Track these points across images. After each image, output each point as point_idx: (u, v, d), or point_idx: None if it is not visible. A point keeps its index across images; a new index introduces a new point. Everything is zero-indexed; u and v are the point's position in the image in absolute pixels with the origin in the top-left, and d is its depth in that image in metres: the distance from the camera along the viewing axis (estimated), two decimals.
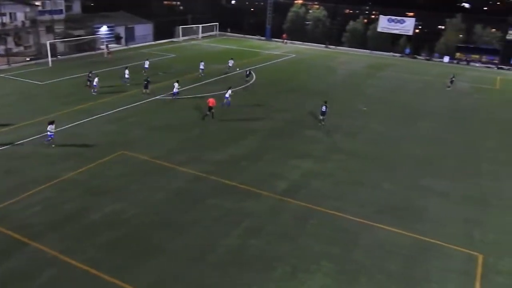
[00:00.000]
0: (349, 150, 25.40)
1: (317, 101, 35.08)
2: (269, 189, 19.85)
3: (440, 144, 27.32)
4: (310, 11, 76.45)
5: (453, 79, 44.27)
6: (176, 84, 32.98)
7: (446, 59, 65.14)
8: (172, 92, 33.15)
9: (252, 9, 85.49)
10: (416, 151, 25.93)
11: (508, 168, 24.13)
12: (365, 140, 27.24)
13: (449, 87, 43.63)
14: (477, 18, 65.39)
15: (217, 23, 75.23)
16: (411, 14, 69.23)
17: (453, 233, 17.25)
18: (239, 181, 20.46)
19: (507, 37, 63.24)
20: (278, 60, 54.82)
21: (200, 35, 70.44)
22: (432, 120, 32.44)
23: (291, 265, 14.67)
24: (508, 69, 62.19)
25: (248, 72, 41.09)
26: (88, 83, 35.00)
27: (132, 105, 31.45)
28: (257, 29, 76.02)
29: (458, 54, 64.92)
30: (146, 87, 33.99)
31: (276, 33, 75.53)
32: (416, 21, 67.76)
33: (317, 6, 77.10)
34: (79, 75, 39.08)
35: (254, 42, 71.33)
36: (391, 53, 69.08)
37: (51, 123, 23.26)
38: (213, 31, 74.95)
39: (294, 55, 59.43)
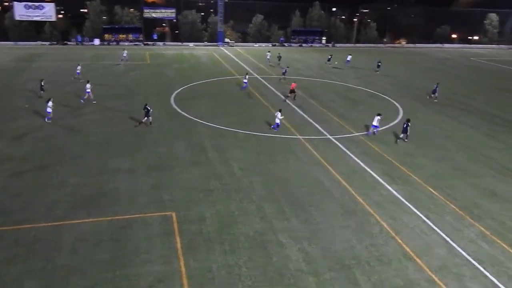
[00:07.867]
0: (20, 156, 22.95)
1: None
2: None
3: (111, 125, 28.32)
4: None
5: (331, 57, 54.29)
6: None
7: (97, 41, 66.62)
8: None
9: None
10: (92, 137, 26.02)
11: (176, 132, 27.46)
12: (36, 141, 25.22)
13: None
14: None
15: None
16: None
17: (147, 202, 18.65)
18: None
19: (145, 16, 69.80)
20: None
21: None
22: (98, 104, 33.00)
23: None
24: (153, 44, 69.26)
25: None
26: None
27: None
28: None
29: (106, 36, 67.39)
30: None
31: None
32: (56, 5, 65.71)
33: None
34: None
35: None
36: (39, 42, 65.21)
37: None
38: None
39: None
